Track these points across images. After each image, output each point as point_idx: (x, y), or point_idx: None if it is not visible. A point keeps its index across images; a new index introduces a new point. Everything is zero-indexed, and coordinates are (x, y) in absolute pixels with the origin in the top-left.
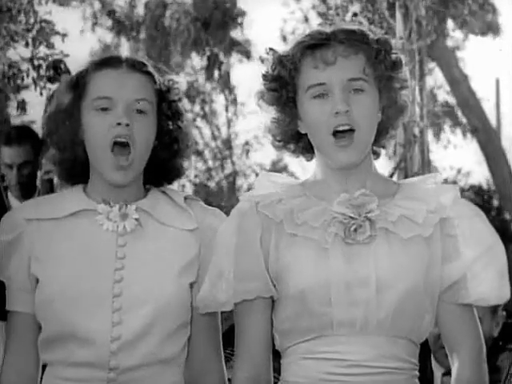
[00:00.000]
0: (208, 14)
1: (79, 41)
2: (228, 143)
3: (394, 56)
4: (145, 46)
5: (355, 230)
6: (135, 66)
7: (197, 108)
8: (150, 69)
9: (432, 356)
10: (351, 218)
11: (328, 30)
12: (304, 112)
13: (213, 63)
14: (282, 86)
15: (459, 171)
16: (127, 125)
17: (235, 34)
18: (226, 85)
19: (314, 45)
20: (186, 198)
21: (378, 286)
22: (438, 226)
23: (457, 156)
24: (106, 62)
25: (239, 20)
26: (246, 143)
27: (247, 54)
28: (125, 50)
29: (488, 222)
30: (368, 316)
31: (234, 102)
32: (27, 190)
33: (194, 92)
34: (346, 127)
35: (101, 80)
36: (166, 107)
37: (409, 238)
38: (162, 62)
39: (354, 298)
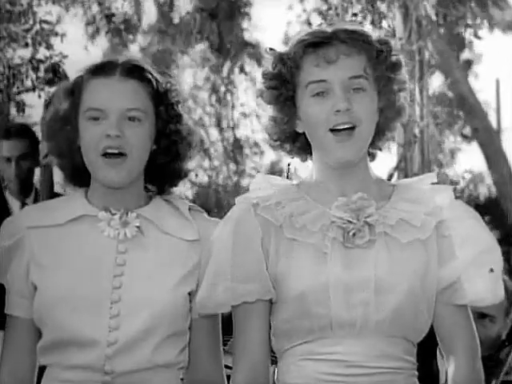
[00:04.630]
0: (214, 4)
1: (78, 42)
2: (236, 143)
3: (394, 57)
4: (151, 50)
5: (354, 234)
6: (130, 72)
7: (204, 108)
8: (147, 73)
9: (438, 351)
10: (350, 222)
11: (329, 29)
12: (303, 110)
13: (225, 54)
14: (282, 83)
15: (471, 174)
16: (118, 136)
17: (247, 35)
18: (241, 70)
19: (316, 43)
20: (189, 209)
21: (377, 288)
22: (434, 228)
23: (471, 159)
24: (100, 68)
25: (246, 10)
26: (255, 144)
27: (258, 60)
28: (131, 50)
29: (483, 223)
30: (367, 318)
31: (252, 82)
32: (25, 187)
33: (207, 87)
34: (347, 125)
35: (93, 90)
36: (163, 110)
37: (408, 241)
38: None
39: (353, 300)
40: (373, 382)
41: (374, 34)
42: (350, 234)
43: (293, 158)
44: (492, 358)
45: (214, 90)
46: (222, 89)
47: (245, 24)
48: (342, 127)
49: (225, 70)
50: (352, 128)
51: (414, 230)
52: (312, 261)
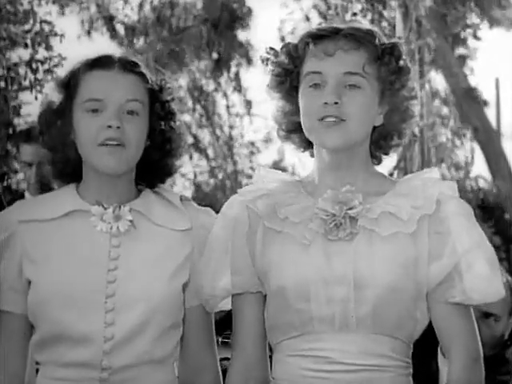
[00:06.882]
0: (217, 15)
1: (78, 43)
2: (230, 142)
3: (401, 62)
4: (150, 49)
5: (336, 226)
6: (127, 66)
7: (199, 107)
8: (143, 69)
9: (439, 350)
10: (333, 214)
11: (341, 25)
12: (300, 100)
13: (224, 65)
14: (286, 73)
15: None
16: (118, 127)
17: (240, 35)
18: (236, 86)
19: (321, 36)
20: (181, 199)
21: (356, 283)
22: (424, 223)
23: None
24: (98, 62)
25: (247, 21)
26: (252, 144)
27: (248, 59)
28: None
29: (475, 221)
30: (347, 313)
31: (247, 103)
32: (47, 190)
33: (197, 92)
34: (334, 119)
35: (92, 81)
36: (158, 107)
37: (390, 234)
38: (170, 63)
39: (332, 294)
40: (357, 378)
41: (384, 36)
42: (331, 225)
43: (303, 151)
44: (497, 357)
45: (202, 90)
46: (210, 89)
47: (243, 35)
48: (329, 120)
49: (222, 77)
50: (341, 120)
51: (398, 223)
52: (294, 253)
